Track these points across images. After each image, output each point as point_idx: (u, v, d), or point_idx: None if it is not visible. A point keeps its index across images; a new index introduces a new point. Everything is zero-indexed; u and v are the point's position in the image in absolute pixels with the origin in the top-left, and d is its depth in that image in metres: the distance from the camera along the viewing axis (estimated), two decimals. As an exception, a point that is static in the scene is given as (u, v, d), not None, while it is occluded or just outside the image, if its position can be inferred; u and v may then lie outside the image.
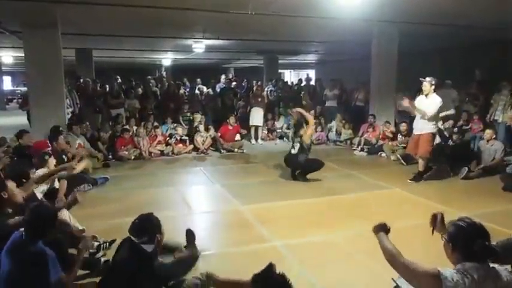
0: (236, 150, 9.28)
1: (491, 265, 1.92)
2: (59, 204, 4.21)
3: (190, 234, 3.44)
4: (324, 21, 7.96)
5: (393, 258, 2.04)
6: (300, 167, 6.67)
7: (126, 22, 8.83)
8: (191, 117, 10.12)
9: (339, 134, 10.46)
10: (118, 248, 2.86)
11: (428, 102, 6.30)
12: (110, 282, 2.70)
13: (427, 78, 6.31)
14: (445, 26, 8.44)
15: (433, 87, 6.27)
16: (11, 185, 3.37)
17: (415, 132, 6.56)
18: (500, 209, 5.17)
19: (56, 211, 2.77)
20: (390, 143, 8.79)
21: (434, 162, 6.82)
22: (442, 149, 7.36)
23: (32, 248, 2.50)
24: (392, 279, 2.41)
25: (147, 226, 2.58)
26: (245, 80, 15.16)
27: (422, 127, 6.40)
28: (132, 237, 2.58)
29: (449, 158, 7.13)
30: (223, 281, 2.83)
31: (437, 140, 7.28)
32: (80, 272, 3.21)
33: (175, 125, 9.87)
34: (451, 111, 8.07)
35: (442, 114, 7.16)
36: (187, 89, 12.96)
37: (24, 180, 3.77)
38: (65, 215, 3.86)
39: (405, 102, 6.53)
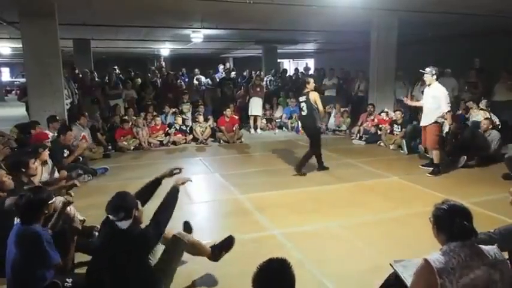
0: (235, 140, 9.30)
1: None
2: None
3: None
4: (322, 9, 7.90)
5: None
6: (311, 129, 6.54)
7: (124, 11, 8.78)
8: (185, 108, 10.12)
9: (337, 123, 10.46)
10: (99, 230, 2.91)
11: (434, 93, 6.14)
12: (95, 266, 2.73)
13: (427, 69, 6.19)
14: (446, 13, 8.38)
15: (434, 77, 6.15)
16: (1, 173, 3.49)
17: (421, 124, 6.49)
18: (499, 197, 5.16)
19: (48, 196, 2.81)
20: (388, 128, 8.76)
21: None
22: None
23: (27, 230, 2.63)
24: (390, 264, 2.44)
25: (123, 203, 2.59)
26: (247, 71, 15.09)
27: (426, 119, 6.31)
28: (110, 217, 2.59)
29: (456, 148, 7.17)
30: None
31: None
32: (84, 257, 3.28)
33: (174, 110, 9.89)
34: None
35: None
36: (186, 79, 12.92)
37: (23, 170, 3.81)
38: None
39: (409, 102, 6.78)
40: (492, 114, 7.76)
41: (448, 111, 6.15)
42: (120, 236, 2.54)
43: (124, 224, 2.54)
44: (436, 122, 6.22)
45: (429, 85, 6.24)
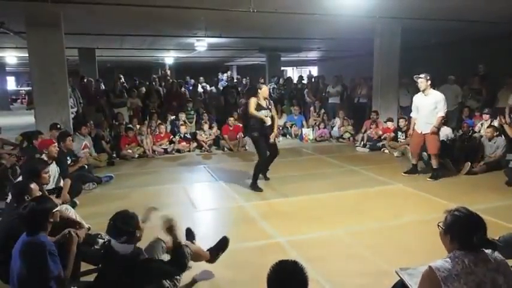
0: (239, 148, 9.32)
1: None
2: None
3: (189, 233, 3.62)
4: (325, 18, 7.95)
5: None
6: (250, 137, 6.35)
7: (128, 21, 8.86)
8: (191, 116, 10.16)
9: (341, 130, 10.45)
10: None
11: (432, 100, 6.21)
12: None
13: (422, 75, 6.21)
14: (449, 21, 8.40)
15: (429, 82, 6.20)
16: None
17: (419, 131, 6.44)
18: (504, 204, 5.18)
19: (52, 206, 2.80)
20: (392, 135, 8.77)
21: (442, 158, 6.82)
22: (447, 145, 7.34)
23: (32, 240, 2.59)
24: (396, 272, 2.43)
25: (124, 226, 2.49)
26: (247, 78, 15.14)
27: (426, 126, 6.31)
28: (111, 239, 2.55)
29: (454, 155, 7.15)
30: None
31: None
32: (88, 267, 3.28)
33: (174, 117, 9.97)
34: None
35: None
36: (190, 87, 12.98)
37: (34, 179, 3.84)
38: (71, 213, 3.90)
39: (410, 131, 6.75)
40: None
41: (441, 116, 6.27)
42: (120, 262, 2.50)
43: (127, 248, 2.51)
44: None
45: (424, 90, 6.25)
